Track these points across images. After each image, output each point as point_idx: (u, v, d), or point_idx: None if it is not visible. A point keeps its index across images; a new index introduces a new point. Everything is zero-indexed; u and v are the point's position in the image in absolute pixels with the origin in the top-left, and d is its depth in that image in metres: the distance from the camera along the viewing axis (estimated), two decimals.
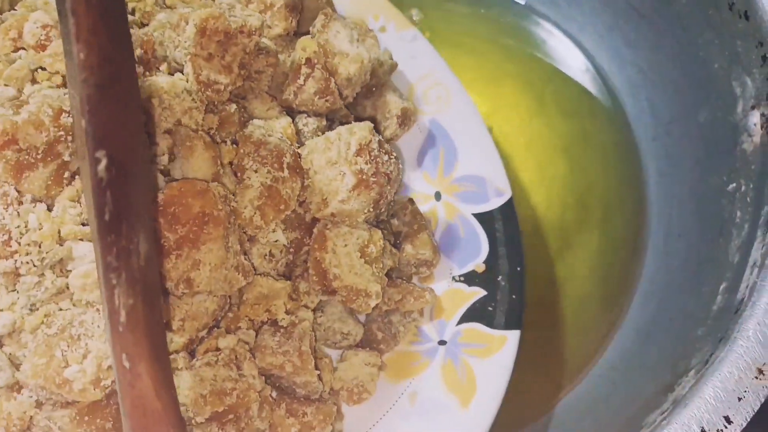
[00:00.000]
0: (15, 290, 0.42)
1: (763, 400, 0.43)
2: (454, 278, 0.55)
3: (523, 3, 0.73)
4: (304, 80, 0.51)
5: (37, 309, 0.42)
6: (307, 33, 0.54)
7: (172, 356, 0.45)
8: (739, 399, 0.43)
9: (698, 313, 0.52)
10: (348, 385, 0.51)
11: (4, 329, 0.42)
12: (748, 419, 0.43)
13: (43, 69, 0.45)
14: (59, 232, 0.42)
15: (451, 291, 0.55)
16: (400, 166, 0.53)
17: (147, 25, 0.51)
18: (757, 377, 0.44)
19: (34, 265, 0.41)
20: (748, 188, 0.53)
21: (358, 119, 0.54)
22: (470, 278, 0.55)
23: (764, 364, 0.44)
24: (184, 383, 0.44)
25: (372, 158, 0.49)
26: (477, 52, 0.72)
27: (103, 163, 0.35)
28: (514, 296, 0.54)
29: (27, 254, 0.41)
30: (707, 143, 0.59)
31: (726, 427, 0.43)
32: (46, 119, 0.41)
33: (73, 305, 0.43)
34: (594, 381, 0.60)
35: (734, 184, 0.54)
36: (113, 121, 0.36)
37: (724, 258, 0.53)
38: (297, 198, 0.49)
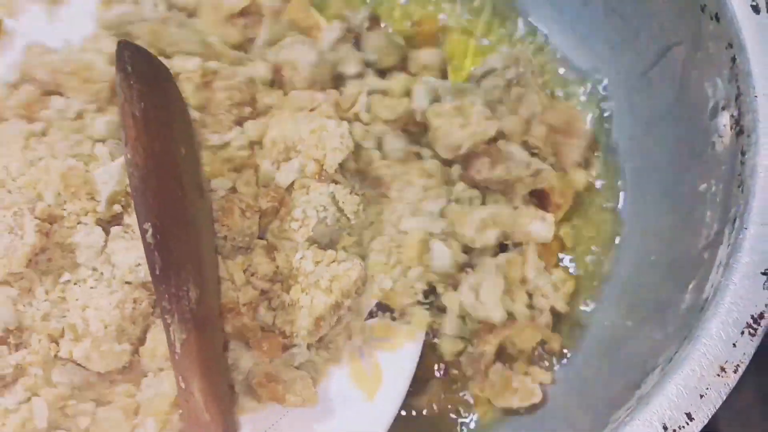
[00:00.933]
0: None
1: (724, 398, 0.44)
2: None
3: None
4: None
5: None
6: None
7: None
8: (701, 396, 0.44)
9: (669, 312, 0.53)
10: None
11: None
12: (710, 416, 0.43)
13: None
14: None
15: None
16: None
17: None
18: (719, 374, 0.44)
19: None
20: (718, 188, 0.53)
21: None
22: None
23: (726, 362, 0.44)
24: None
25: None
26: None
27: (150, 231, 0.44)
28: None
29: None
30: (681, 143, 0.60)
31: (687, 424, 0.43)
32: None
33: None
34: (566, 378, 0.60)
35: (705, 185, 0.55)
36: (155, 198, 0.46)
37: (696, 257, 0.53)
38: None
